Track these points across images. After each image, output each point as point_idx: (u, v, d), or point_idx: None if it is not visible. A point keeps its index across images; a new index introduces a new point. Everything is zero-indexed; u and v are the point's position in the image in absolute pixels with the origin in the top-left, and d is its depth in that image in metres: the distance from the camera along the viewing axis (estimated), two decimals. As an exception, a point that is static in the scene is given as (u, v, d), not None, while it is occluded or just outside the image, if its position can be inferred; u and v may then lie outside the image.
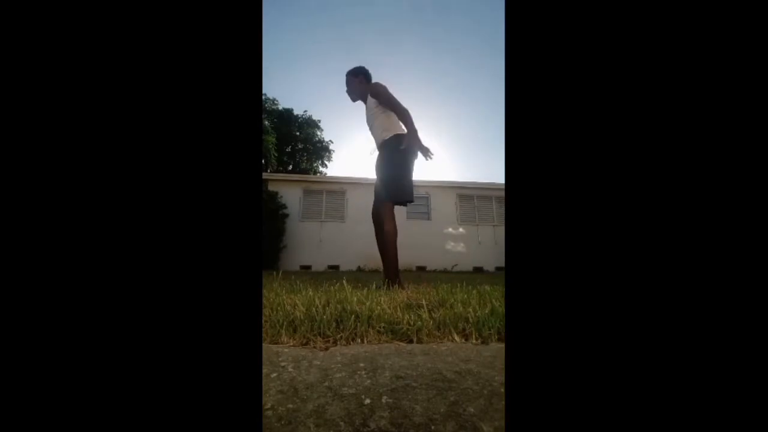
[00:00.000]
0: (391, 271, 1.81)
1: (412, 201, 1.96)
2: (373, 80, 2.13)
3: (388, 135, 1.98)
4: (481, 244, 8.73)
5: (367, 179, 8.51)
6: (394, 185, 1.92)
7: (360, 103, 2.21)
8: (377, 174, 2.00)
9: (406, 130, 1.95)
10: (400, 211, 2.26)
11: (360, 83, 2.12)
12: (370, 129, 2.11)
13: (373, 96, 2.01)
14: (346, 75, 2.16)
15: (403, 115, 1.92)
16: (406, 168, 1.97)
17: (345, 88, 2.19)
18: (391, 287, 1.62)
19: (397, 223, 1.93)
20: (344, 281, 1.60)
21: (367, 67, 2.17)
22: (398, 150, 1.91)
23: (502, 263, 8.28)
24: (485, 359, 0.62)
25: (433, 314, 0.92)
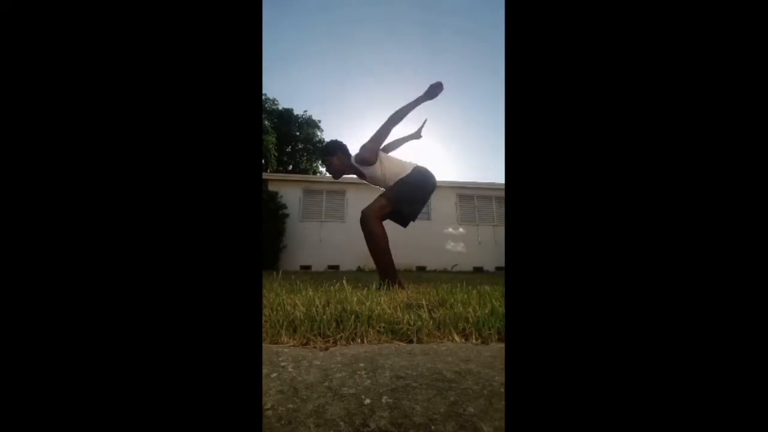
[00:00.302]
0: (388, 273, 1.80)
1: (405, 225, 2.01)
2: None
3: (410, 169, 1.98)
4: (481, 244, 8.72)
5: (367, 179, 8.48)
6: (410, 203, 1.93)
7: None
8: (392, 189, 1.93)
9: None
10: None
11: (339, 160, 2.00)
12: (383, 184, 2.02)
13: (364, 162, 1.91)
14: (321, 155, 2.05)
15: (394, 121, 1.88)
16: (422, 197, 1.98)
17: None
18: (391, 287, 1.62)
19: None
20: (344, 281, 1.60)
21: (339, 140, 2.05)
22: (422, 178, 1.95)
23: (502, 263, 8.28)
24: (485, 359, 0.61)
25: (433, 314, 0.92)
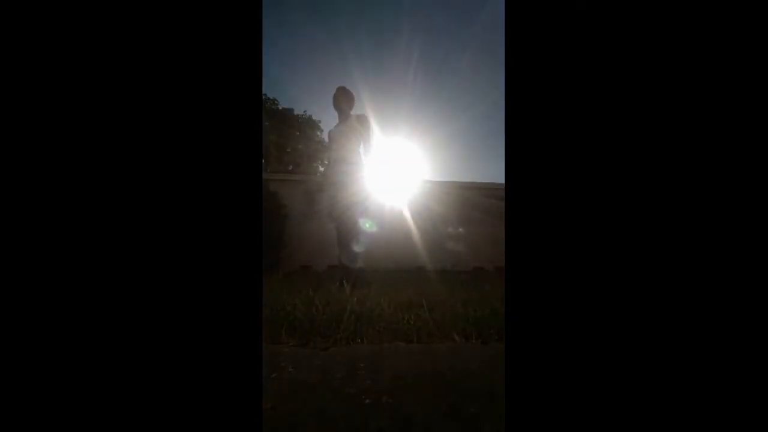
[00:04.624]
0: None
1: None
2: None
3: None
4: (481, 244, 8.72)
5: (367, 179, 8.47)
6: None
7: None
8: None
9: None
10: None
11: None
12: None
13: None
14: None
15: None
16: None
17: (344, 89, 2.11)
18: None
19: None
20: (344, 281, 1.59)
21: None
22: None
23: (502, 263, 8.25)
24: (485, 359, 0.61)
25: (433, 314, 0.92)
